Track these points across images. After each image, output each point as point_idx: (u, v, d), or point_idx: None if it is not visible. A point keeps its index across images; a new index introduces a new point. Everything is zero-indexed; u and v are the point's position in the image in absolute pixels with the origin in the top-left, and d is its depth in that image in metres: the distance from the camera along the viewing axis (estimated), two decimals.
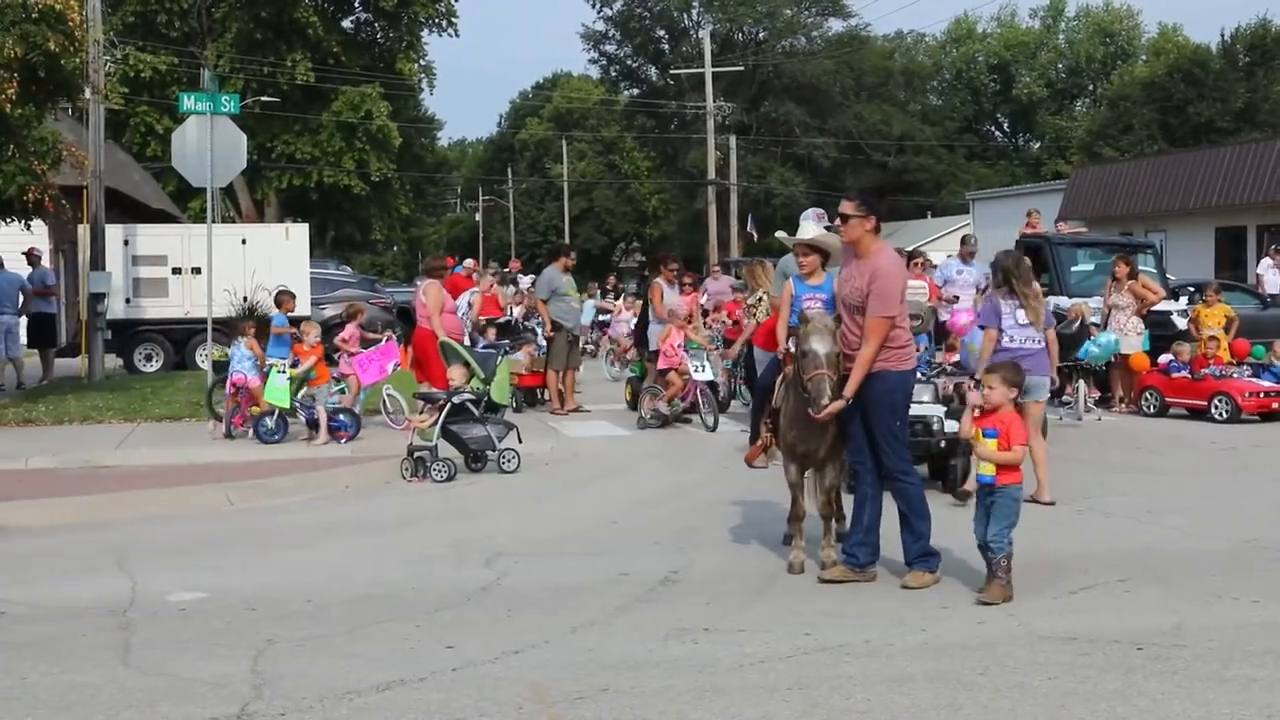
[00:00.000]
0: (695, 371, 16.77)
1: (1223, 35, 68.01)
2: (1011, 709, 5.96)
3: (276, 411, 14.80)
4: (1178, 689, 6.21)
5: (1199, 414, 17.22)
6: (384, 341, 16.51)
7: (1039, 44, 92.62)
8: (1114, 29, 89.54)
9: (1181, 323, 19.87)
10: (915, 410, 11.97)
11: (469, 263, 22.79)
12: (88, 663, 6.87)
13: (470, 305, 18.91)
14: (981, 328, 11.81)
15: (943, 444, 11.76)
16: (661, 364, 17.10)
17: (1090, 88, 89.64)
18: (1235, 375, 17.46)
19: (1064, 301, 19.39)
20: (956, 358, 15.63)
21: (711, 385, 17.21)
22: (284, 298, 16.56)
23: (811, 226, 10.17)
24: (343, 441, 14.79)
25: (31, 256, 22.53)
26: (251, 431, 14.97)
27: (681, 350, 16.99)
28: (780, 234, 10.49)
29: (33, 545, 9.60)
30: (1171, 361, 17.81)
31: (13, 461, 13.64)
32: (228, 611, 7.94)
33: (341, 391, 15.62)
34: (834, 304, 8.87)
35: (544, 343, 19.40)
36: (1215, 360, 17.67)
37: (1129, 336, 17.48)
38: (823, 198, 77.53)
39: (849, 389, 8.24)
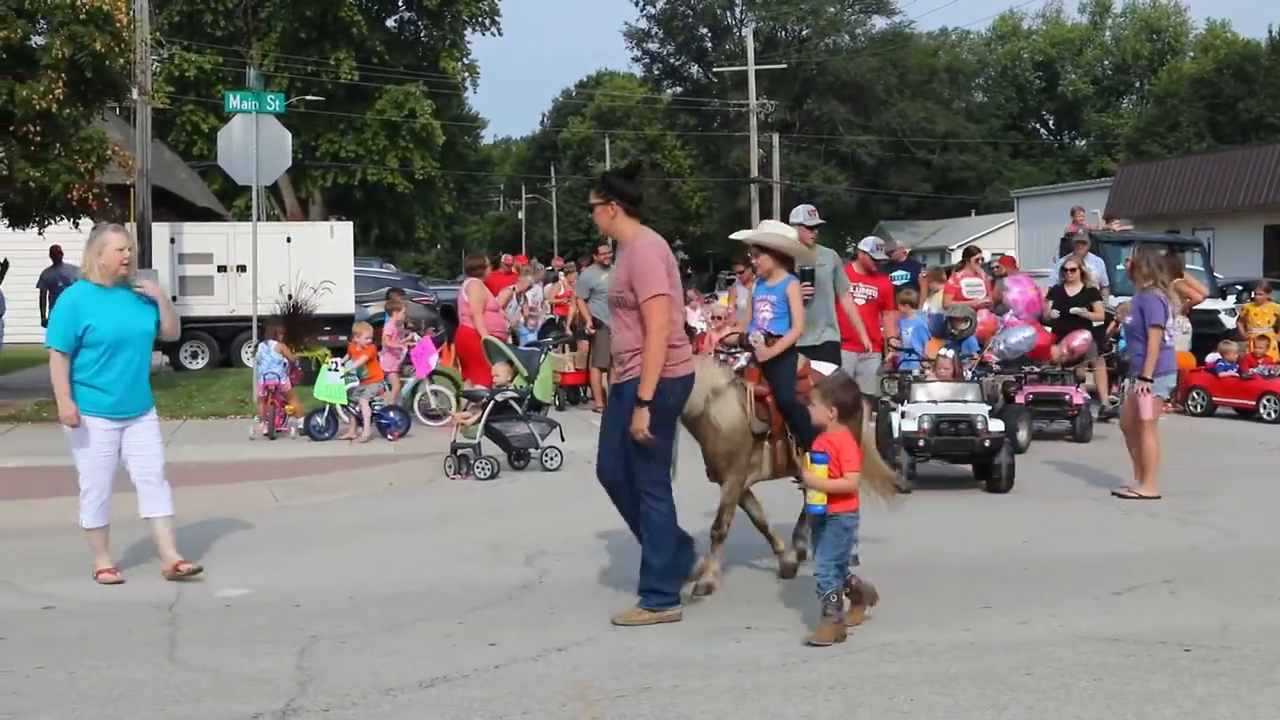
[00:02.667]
0: None
1: (1271, 31, 67.32)
2: (1057, 710, 5.92)
3: (327, 409, 14.90)
4: (1225, 691, 6.15)
5: (1247, 414, 17.06)
6: (419, 341, 16.62)
7: (1085, 41, 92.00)
8: (1161, 25, 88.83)
9: (1229, 321, 19.70)
10: (960, 409, 11.95)
11: (505, 258, 22.82)
12: (134, 658, 6.93)
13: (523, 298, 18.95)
14: (1157, 326, 11.59)
15: (987, 443, 11.68)
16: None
17: (1137, 85, 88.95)
18: None
19: (1111, 300, 19.27)
20: (995, 358, 15.58)
21: None
22: (395, 297, 17.06)
23: (776, 225, 9.67)
24: (394, 439, 14.86)
25: (55, 254, 22.45)
26: (302, 428, 15.06)
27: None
28: (738, 234, 10.12)
29: (75, 542, 9.66)
30: (1219, 360, 17.66)
31: (58, 458, 13.70)
32: (272, 608, 7.99)
33: (387, 388, 15.69)
34: (784, 304, 8.67)
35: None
36: (1264, 359, 17.50)
37: (1174, 335, 17.31)
38: (866, 196, 77.66)
39: (645, 390, 7.40)
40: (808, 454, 7.30)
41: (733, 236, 11.02)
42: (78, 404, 8.61)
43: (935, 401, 12.18)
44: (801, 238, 12.26)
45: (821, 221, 12.47)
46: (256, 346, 18.87)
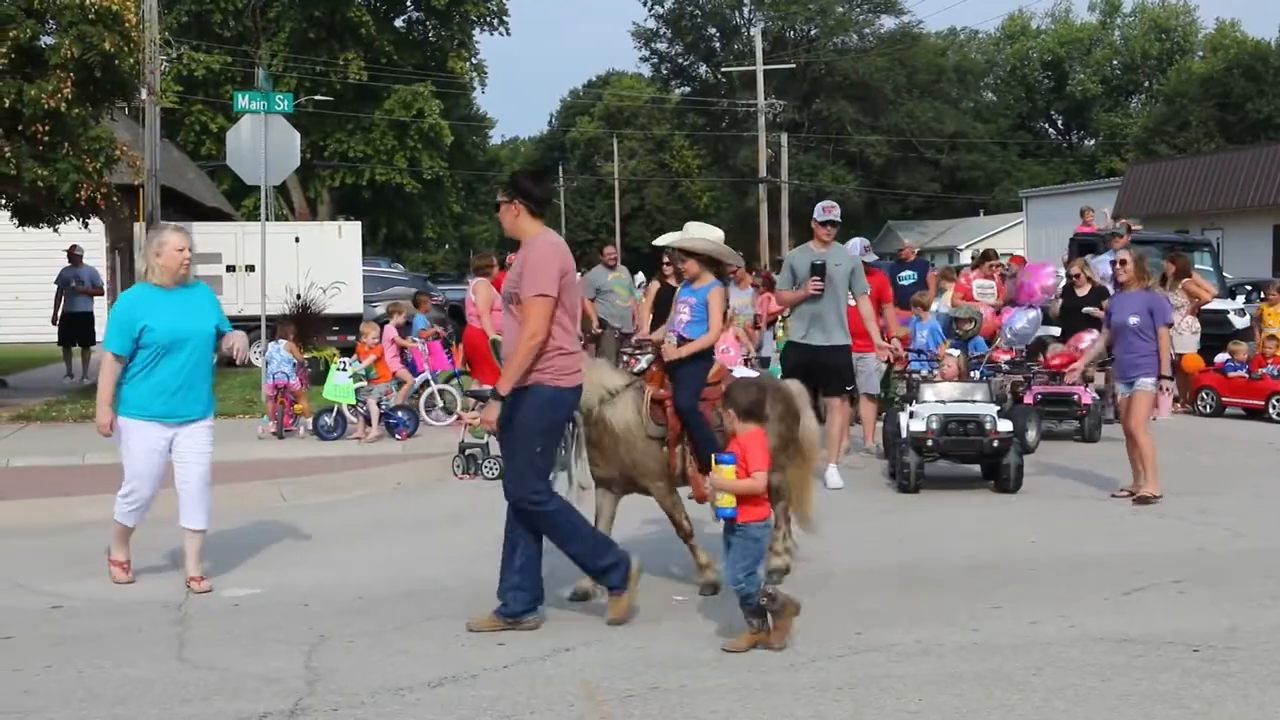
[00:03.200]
0: None
1: None
2: (1065, 710, 5.91)
3: (336, 408, 14.92)
4: (1233, 691, 6.14)
5: (1256, 414, 17.03)
6: (423, 344, 16.71)
7: (1094, 40, 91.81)
8: (1170, 25, 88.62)
9: (1239, 321, 19.65)
10: (968, 409, 11.92)
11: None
12: (143, 657, 6.94)
13: None
14: (1169, 325, 11.75)
15: (995, 444, 11.66)
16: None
17: (1146, 84, 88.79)
18: None
19: None
20: (1004, 345, 15.55)
21: None
22: (421, 297, 17.08)
23: (701, 228, 9.16)
24: (401, 439, 14.87)
25: (73, 254, 22.48)
26: (311, 428, 15.08)
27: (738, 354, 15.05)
28: (662, 239, 9.82)
29: (88, 541, 9.69)
30: (1228, 361, 17.63)
31: (71, 457, 13.79)
32: (281, 607, 8.00)
33: (395, 388, 15.69)
34: (703, 309, 8.49)
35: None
36: (1274, 359, 17.46)
37: (1183, 336, 17.26)
38: (874, 196, 77.61)
39: (502, 385, 7.29)
40: (714, 456, 7.09)
41: (656, 241, 10.80)
42: (124, 406, 8.47)
43: (943, 401, 12.13)
44: (819, 234, 12.24)
45: (836, 219, 12.40)
46: (265, 346, 18.92)
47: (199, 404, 8.68)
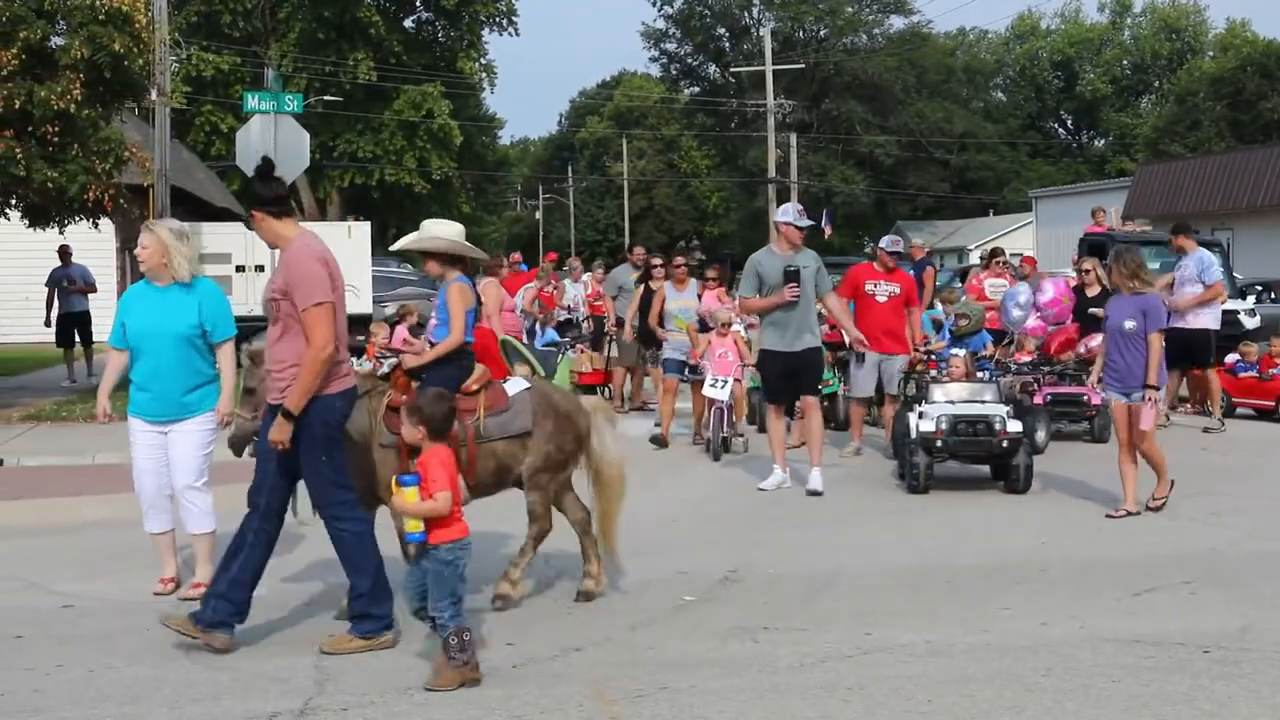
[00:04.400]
0: (710, 388, 14.19)
1: None
2: (1076, 711, 5.90)
3: None
4: (1245, 692, 6.13)
5: (1267, 414, 16.97)
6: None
7: (1104, 40, 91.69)
8: (1180, 25, 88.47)
9: (1250, 322, 19.59)
10: (978, 410, 11.89)
11: (514, 257, 22.89)
12: (152, 656, 6.95)
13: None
14: (1163, 331, 10.94)
15: (1005, 444, 11.62)
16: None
17: (1156, 84, 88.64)
18: None
19: None
20: (1028, 357, 15.50)
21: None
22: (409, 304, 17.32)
23: (437, 225, 8.72)
24: None
25: (63, 253, 22.23)
26: None
27: (736, 361, 14.50)
28: (398, 243, 9.30)
29: (98, 540, 9.71)
30: (1239, 361, 17.57)
31: (80, 457, 13.81)
32: (289, 607, 8.00)
33: None
34: (445, 309, 8.07)
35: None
36: None
37: None
38: (884, 196, 77.56)
39: (294, 402, 6.90)
40: (395, 477, 6.67)
41: (393, 247, 10.56)
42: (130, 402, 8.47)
43: (953, 402, 12.06)
44: (790, 236, 12.01)
45: (810, 222, 12.32)
46: None
47: (169, 406, 8.39)
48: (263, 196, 7.30)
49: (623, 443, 8.59)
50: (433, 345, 8.12)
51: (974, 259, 52.16)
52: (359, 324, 24.34)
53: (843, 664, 6.66)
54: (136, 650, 7.06)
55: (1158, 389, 10.83)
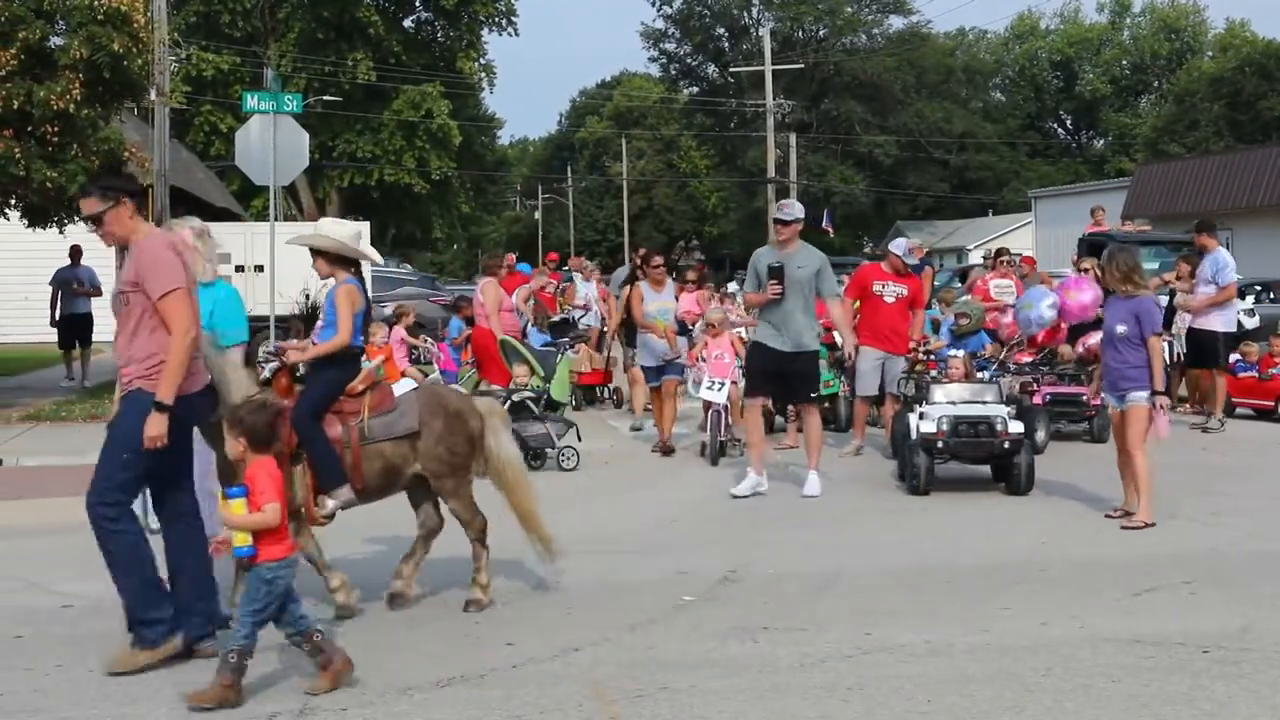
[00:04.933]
0: (707, 391, 13.84)
1: None
2: (1076, 711, 5.90)
3: None
4: (1245, 692, 6.13)
5: (1266, 414, 16.97)
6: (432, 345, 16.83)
7: (1103, 40, 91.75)
8: (1180, 25, 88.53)
9: (1249, 322, 19.56)
10: (979, 411, 11.85)
11: (509, 258, 23.04)
12: None
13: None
14: (1159, 334, 10.63)
15: (1006, 445, 11.60)
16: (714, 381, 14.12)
17: (1155, 84, 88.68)
18: None
19: None
20: (1027, 358, 15.47)
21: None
22: (462, 304, 17.39)
23: (330, 223, 8.48)
24: None
25: (74, 253, 22.14)
26: None
27: (732, 363, 14.16)
28: (290, 240, 8.94)
29: (95, 541, 9.66)
30: (1239, 361, 17.56)
31: (80, 457, 13.73)
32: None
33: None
34: (333, 310, 7.86)
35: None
36: None
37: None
38: (883, 196, 77.57)
39: (165, 393, 6.65)
40: (222, 489, 6.45)
41: (285, 241, 10.26)
42: None
43: (954, 403, 12.01)
44: (777, 232, 11.89)
45: (796, 217, 11.96)
46: (274, 346, 18.94)
47: None
48: (129, 188, 7.06)
49: (515, 444, 8.50)
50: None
51: (973, 259, 52.17)
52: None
53: (843, 664, 6.65)
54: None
55: (1165, 393, 10.58)
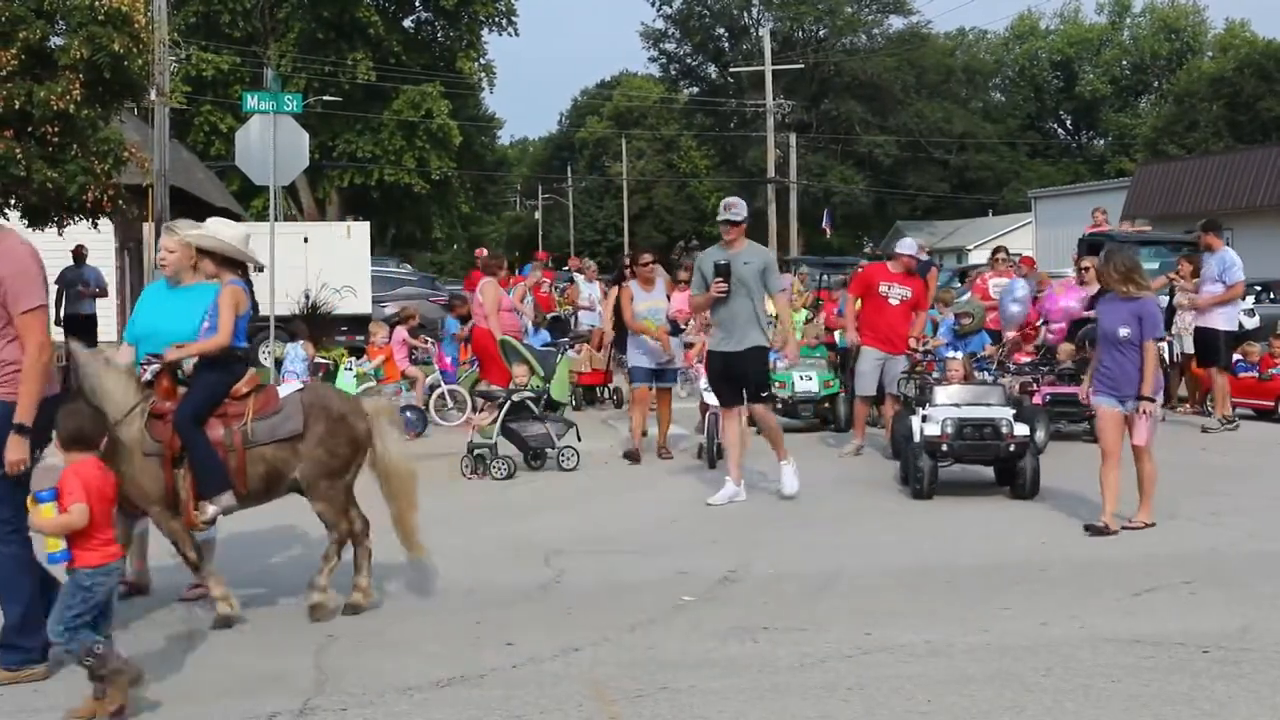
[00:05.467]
0: (707, 392, 13.49)
1: None
2: (1076, 711, 5.90)
3: None
4: (1245, 692, 6.13)
5: (1266, 414, 16.97)
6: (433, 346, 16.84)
7: (1103, 40, 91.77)
8: (1179, 25, 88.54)
9: (1249, 322, 19.56)
10: (984, 413, 11.64)
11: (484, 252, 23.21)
12: (150, 656, 6.93)
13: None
14: (1160, 339, 10.38)
15: (1011, 448, 11.46)
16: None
17: (1155, 85, 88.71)
18: None
19: None
20: (1027, 358, 15.48)
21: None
22: (456, 302, 17.27)
23: (217, 223, 8.47)
24: (410, 439, 14.88)
25: (78, 254, 21.96)
26: None
27: None
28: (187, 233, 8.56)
29: None
30: (1239, 361, 17.56)
31: None
32: (289, 607, 8.00)
33: (404, 388, 15.72)
34: (216, 311, 7.73)
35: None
36: None
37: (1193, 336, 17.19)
38: (883, 196, 77.58)
39: (25, 414, 6.47)
40: (32, 493, 6.15)
41: (182, 237, 10.04)
42: None
43: (957, 405, 11.86)
44: (722, 232, 11.57)
45: (745, 217, 11.70)
46: (273, 346, 18.99)
47: None
48: None
49: (406, 444, 8.32)
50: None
51: (974, 259, 52.19)
52: (358, 324, 24.48)
53: (843, 664, 6.65)
54: (134, 650, 7.04)
55: (1153, 400, 10.13)
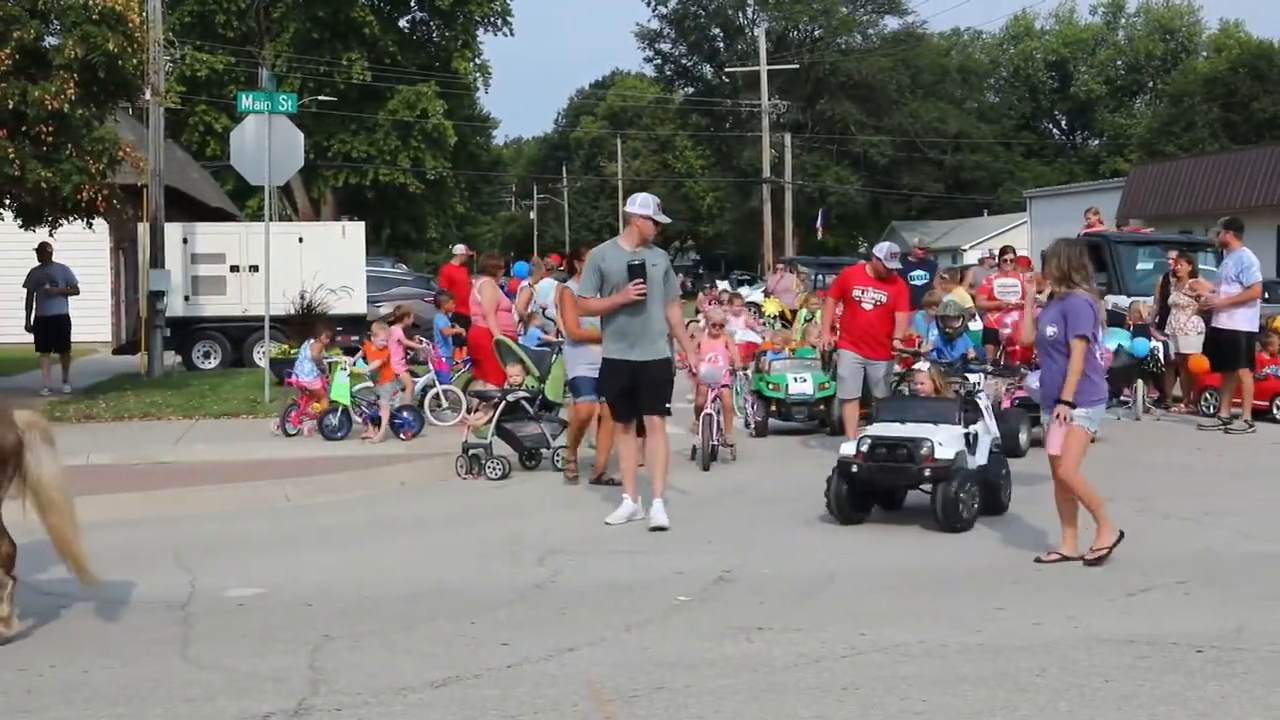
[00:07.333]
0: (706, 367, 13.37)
1: None
2: (1070, 711, 5.90)
3: (340, 409, 14.93)
4: (1238, 692, 6.13)
5: (1260, 414, 16.98)
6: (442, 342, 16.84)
7: (1098, 41, 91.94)
8: (1174, 25, 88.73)
9: None
10: (905, 431, 10.42)
11: (460, 249, 23.31)
12: (146, 656, 6.94)
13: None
14: (1081, 336, 8.89)
15: (927, 472, 10.18)
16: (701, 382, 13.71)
17: (1150, 85, 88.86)
18: None
19: (1123, 300, 19.22)
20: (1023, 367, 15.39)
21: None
22: (443, 299, 17.22)
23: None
24: (406, 439, 14.89)
25: (44, 252, 21.06)
26: (317, 428, 15.11)
27: (726, 366, 14.23)
28: None
29: (93, 541, 9.65)
30: None
31: (74, 458, 13.69)
32: (285, 607, 8.00)
33: (401, 389, 15.70)
34: None
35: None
36: (1275, 359, 17.41)
37: (1189, 336, 17.21)
38: (878, 196, 77.63)
39: None
40: None
41: None
42: None
43: (902, 421, 10.71)
44: (644, 230, 10.60)
45: (666, 219, 11.11)
46: (268, 346, 18.99)
47: None
48: None
49: (60, 460, 7.67)
50: None
51: (969, 259, 52.17)
52: (354, 323, 24.49)
53: (838, 664, 6.66)
54: (130, 650, 7.06)
55: (1071, 405, 8.86)
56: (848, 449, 10.44)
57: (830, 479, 10.50)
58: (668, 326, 10.79)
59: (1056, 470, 9.04)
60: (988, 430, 11.08)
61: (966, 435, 10.66)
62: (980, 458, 10.76)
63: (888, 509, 10.79)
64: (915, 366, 12.92)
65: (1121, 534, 8.98)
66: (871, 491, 10.64)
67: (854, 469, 10.28)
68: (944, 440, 10.20)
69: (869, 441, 10.32)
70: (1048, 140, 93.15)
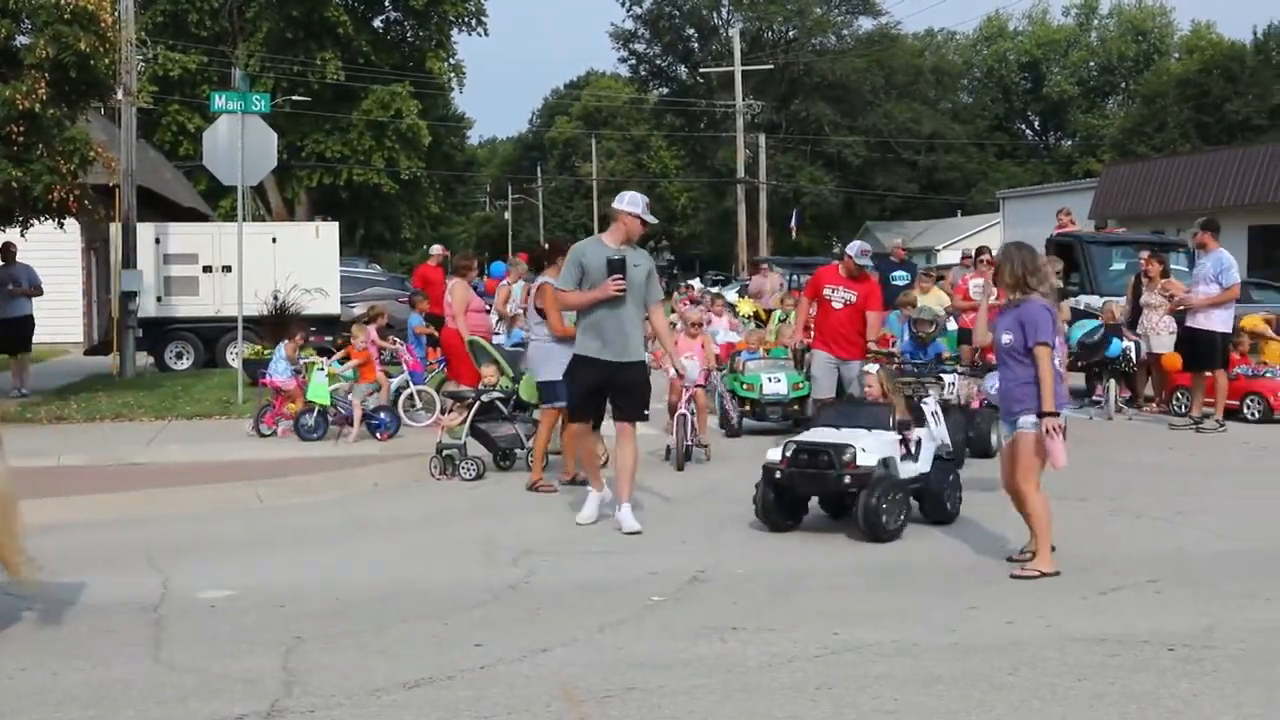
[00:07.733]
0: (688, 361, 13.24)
1: (1255, 32, 67.77)
2: (1042, 710, 5.92)
3: (316, 409, 14.89)
4: (1209, 690, 6.17)
5: (1231, 414, 17.07)
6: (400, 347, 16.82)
7: (1071, 42, 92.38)
8: (1146, 27, 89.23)
9: None
10: (825, 438, 10.18)
11: (436, 249, 23.18)
12: (118, 658, 6.90)
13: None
14: (1043, 344, 8.62)
15: (847, 479, 9.79)
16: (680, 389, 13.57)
17: (1122, 86, 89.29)
18: (1268, 375, 17.30)
19: (1096, 301, 19.30)
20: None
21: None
22: (418, 299, 17.65)
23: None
24: (382, 440, 14.86)
25: (6, 252, 20.52)
26: (292, 429, 15.07)
27: (701, 367, 14.43)
28: None
29: (64, 542, 9.63)
30: None
31: (45, 459, 13.70)
32: (258, 608, 7.97)
33: (376, 390, 15.67)
34: None
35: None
36: (1244, 360, 17.53)
37: (1160, 336, 17.31)
38: (852, 196, 77.83)
39: None
40: None
41: None
42: None
43: (837, 426, 10.47)
44: (630, 228, 10.47)
45: (654, 219, 10.91)
46: (240, 347, 18.93)
47: None
48: None
49: (6, 459, 7.63)
50: None
51: (943, 259, 52.36)
52: (327, 324, 24.42)
53: (811, 664, 6.66)
54: (102, 652, 7.02)
55: (1056, 415, 8.61)
56: (773, 454, 10.07)
57: (758, 485, 10.22)
58: (644, 329, 10.69)
59: (1018, 481, 8.83)
60: (933, 437, 10.83)
61: (905, 441, 10.31)
62: (923, 465, 10.46)
63: (835, 517, 10.47)
64: (865, 369, 12.65)
65: (1058, 572, 8.54)
66: (799, 498, 10.29)
67: (777, 475, 9.98)
68: (868, 447, 9.89)
69: (794, 447, 10.02)
70: (1021, 141, 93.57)
